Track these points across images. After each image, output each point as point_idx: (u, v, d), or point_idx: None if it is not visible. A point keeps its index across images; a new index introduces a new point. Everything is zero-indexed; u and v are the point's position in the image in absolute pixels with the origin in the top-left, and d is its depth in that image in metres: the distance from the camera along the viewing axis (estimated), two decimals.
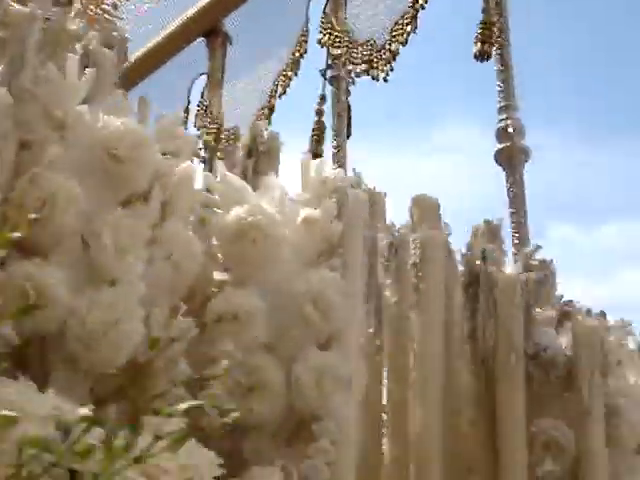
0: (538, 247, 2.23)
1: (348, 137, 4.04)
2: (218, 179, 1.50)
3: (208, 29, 4.90)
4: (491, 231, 2.36)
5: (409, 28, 3.79)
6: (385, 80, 3.79)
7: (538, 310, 1.88)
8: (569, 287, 2.17)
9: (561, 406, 1.77)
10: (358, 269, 1.49)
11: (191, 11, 4.90)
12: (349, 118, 4.07)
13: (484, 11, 3.64)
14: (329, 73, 4.10)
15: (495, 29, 3.55)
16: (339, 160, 3.84)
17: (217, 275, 1.41)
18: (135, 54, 5.15)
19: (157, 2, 5.05)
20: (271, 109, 4.42)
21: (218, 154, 4.44)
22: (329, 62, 4.12)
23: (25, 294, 1.13)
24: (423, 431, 1.69)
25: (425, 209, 2.03)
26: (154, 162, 1.32)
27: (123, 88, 1.49)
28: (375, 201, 1.85)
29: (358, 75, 4.00)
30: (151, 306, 1.23)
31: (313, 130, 4.05)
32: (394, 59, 3.83)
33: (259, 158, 1.66)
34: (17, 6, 1.35)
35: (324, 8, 4.22)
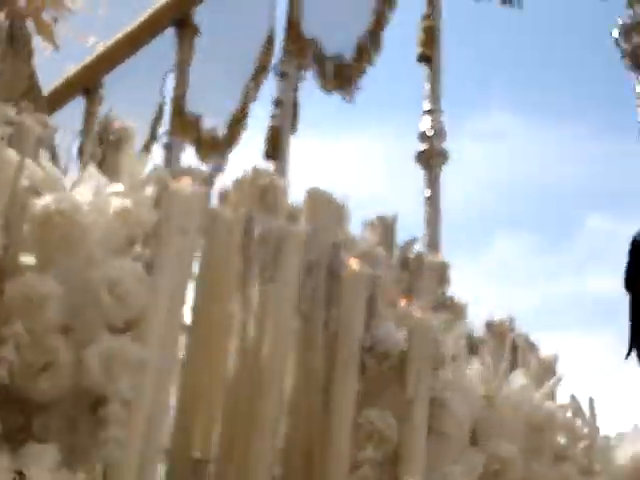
0: (412, 241, 2.30)
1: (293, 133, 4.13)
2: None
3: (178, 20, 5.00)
4: (385, 226, 2.44)
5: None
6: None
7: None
8: None
9: (391, 397, 1.83)
10: (171, 259, 1.56)
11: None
12: (295, 114, 4.16)
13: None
14: (279, 69, 4.19)
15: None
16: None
17: (23, 258, 1.48)
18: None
19: None
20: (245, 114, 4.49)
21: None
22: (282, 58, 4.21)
23: None
24: None
25: (317, 202, 2.14)
26: None
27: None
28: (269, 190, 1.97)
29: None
30: None
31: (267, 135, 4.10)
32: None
33: (107, 147, 1.74)
34: None
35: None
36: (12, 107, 1.87)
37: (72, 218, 1.47)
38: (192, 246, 1.68)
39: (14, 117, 1.67)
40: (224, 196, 2.07)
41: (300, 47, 4.03)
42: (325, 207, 2.20)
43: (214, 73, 4.77)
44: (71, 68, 5.44)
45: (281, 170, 3.90)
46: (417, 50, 3.52)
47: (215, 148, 4.50)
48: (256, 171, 2.12)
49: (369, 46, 3.84)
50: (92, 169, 1.58)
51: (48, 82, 5.58)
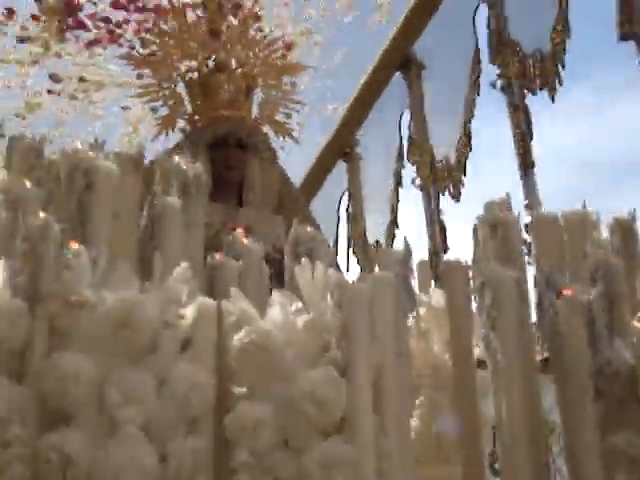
0: None
1: (531, 139, 4.11)
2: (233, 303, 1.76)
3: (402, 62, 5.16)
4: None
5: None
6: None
7: None
8: None
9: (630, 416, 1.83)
10: (361, 357, 1.68)
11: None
12: (528, 119, 4.14)
13: None
14: (499, 84, 4.21)
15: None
16: None
17: (234, 390, 1.67)
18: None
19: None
20: (468, 135, 4.57)
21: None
22: (498, 73, 4.23)
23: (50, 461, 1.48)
24: None
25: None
26: (155, 324, 1.63)
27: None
28: None
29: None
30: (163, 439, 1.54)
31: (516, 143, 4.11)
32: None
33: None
34: (34, 217, 1.73)
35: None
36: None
37: (265, 346, 1.64)
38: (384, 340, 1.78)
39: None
40: None
41: (507, 53, 4.05)
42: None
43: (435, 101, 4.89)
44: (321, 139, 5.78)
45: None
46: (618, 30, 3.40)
47: (450, 176, 4.60)
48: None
49: (563, 34, 3.78)
50: (276, 294, 1.75)
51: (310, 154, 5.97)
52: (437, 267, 4.33)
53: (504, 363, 1.93)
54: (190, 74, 4.10)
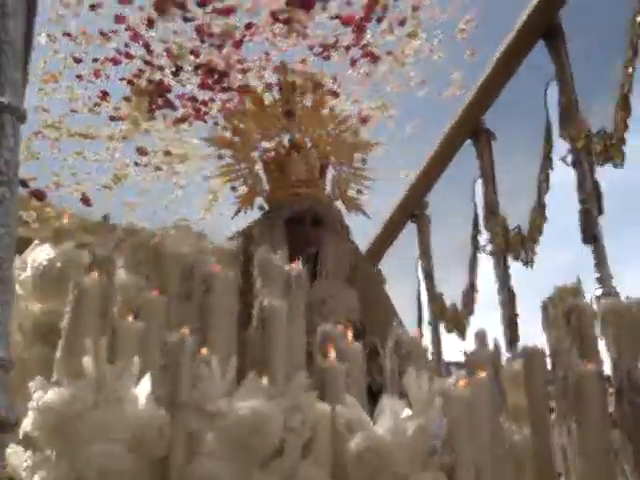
0: None
1: (600, 214, 4.25)
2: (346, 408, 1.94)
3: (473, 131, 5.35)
4: None
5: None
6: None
7: None
8: None
9: None
10: (466, 459, 1.86)
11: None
12: (598, 196, 4.28)
13: None
14: (570, 159, 4.37)
15: None
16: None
17: None
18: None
19: None
20: (543, 206, 4.72)
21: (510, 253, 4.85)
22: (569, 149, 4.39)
23: None
24: None
25: None
26: (282, 430, 1.82)
27: None
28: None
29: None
30: None
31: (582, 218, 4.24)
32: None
33: (402, 360, 2.11)
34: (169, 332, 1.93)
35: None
36: None
37: (379, 452, 1.83)
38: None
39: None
40: None
41: (577, 129, 4.21)
42: None
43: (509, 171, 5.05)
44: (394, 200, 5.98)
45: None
46: None
47: (523, 245, 4.75)
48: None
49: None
50: (386, 399, 1.94)
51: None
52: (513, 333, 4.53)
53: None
54: (267, 154, 4.33)
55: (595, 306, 2.49)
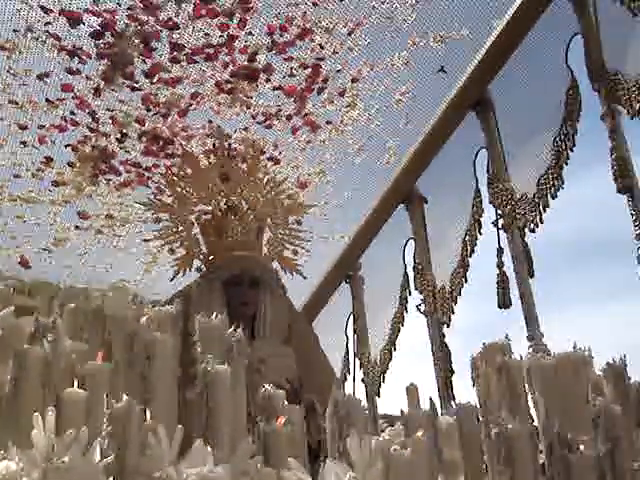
0: None
1: (531, 277, 4.42)
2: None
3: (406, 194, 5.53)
4: None
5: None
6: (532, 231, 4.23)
7: None
8: None
9: None
10: None
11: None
12: (529, 260, 4.45)
13: None
14: (500, 222, 4.54)
15: None
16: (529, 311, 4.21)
17: None
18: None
19: None
20: (465, 268, 4.89)
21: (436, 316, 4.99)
22: (498, 213, 4.56)
23: None
24: None
25: None
26: None
27: None
28: None
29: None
30: None
31: (498, 283, 4.44)
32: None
33: (341, 420, 2.19)
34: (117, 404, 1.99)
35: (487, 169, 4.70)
36: None
37: None
38: None
39: None
40: None
41: (504, 197, 4.40)
42: None
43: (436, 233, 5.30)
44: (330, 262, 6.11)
45: None
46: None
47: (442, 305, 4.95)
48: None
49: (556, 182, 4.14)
50: (330, 463, 2.01)
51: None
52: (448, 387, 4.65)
53: None
54: (204, 216, 4.43)
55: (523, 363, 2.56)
